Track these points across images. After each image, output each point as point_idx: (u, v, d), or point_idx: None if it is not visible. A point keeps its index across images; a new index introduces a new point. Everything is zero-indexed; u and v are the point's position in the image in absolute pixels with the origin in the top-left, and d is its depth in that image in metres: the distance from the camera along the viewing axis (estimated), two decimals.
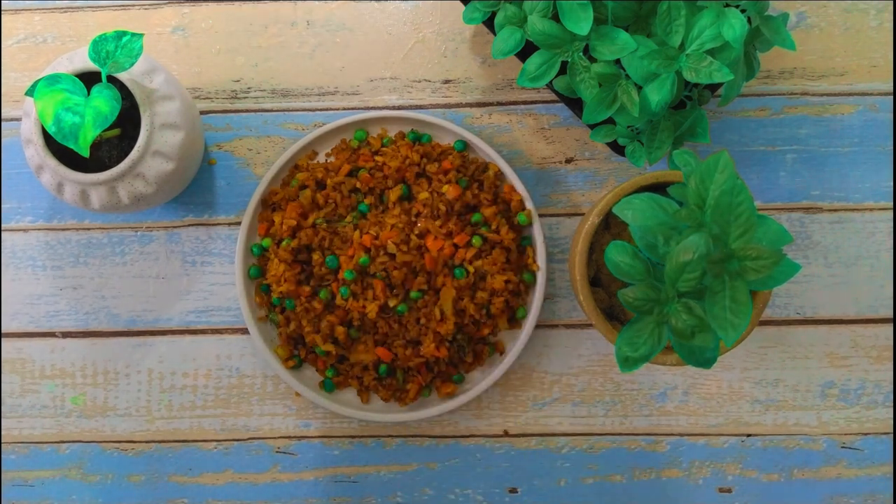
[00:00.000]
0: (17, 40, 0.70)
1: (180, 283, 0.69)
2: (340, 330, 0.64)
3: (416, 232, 0.64)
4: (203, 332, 0.69)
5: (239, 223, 0.68)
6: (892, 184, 0.68)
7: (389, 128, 0.68)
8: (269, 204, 0.67)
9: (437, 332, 0.64)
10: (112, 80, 0.57)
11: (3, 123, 0.70)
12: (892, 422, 0.68)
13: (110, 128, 0.57)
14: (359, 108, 0.70)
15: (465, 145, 0.67)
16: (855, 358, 0.68)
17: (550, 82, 0.58)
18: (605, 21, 0.55)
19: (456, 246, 0.64)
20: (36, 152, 0.58)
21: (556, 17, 0.55)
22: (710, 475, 0.68)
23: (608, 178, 0.69)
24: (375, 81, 0.70)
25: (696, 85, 0.60)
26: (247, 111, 0.70)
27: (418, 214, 0.64)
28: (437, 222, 0.64)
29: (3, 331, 0.69)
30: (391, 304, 0.64)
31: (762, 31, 0.55)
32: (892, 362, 0.68)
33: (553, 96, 0.65)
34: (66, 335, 0.69)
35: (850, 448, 0.68)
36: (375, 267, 0.63)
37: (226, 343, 0.69)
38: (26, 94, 0.56)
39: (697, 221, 0.48)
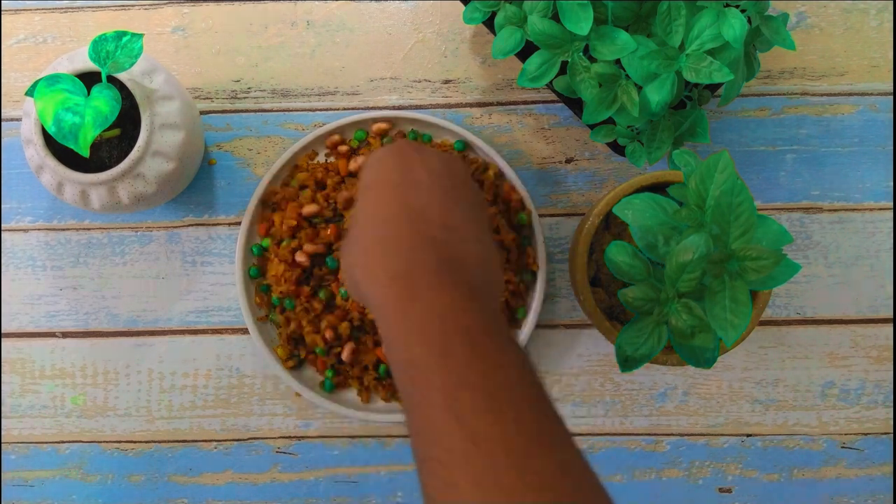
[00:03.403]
0: (17, 40, 0.70)
1: (180, 283, 0.69)
2: (344, 326, 0.64)
3: None
4: (203, 332, 0.69)
5: (239, 223, 0.68)
6: (892, 184, 0.68)
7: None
8: (269, 204, 0.67)
9: None
10: (112, 80, 0.57)
11: (3, 123, 0.70)
12: (892, 422, 0.68)
13: (110, 128, 0.57)
14: (359, 108, 0.70)
15: (465, 145, 0.67)
16: (855, 358, 0.68)
17: (550, 82, 0.58)
18: (605, 21, 0.55)
19: None
20: (36, 152, 0.58)
21: (556, 17, 0.55)
22: (710, 475, 0.68)
23: (608, 178, 0.69)
24: (375, 81, 0.70)
25: (696, 85, 0.60)
26: (247, 111, 0.70)
27: None
28: None
29: (3, 331, 0.69)
30: None
31: (762, 31, 0.55)
32: (892, 362, 0.68)
33: (553, 96, 0.65)
34: (66, 335, 0.69)
35: (850, 448, 0.68)
36: None
37: (226, 343, 0.69)
38: (26, 94, 0.56)
39: (697, 221, 0.48)
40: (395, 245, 0.44)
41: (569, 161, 0.69)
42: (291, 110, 0.70)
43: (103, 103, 0.55)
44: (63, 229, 0.70)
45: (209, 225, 0.69)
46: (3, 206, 0.70)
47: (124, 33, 0.57)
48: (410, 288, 0.42)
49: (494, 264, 0.46)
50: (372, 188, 0.48)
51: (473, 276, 0.44)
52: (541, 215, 0.68)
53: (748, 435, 0.68)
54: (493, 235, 0.65)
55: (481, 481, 0.35)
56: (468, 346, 0.39)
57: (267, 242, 0.66)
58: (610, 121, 0.59)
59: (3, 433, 0.69)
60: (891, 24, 0.69)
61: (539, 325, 0.68)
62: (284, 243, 0.65)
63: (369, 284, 0.44)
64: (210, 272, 0.69)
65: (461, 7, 0.61)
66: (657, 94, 0.54)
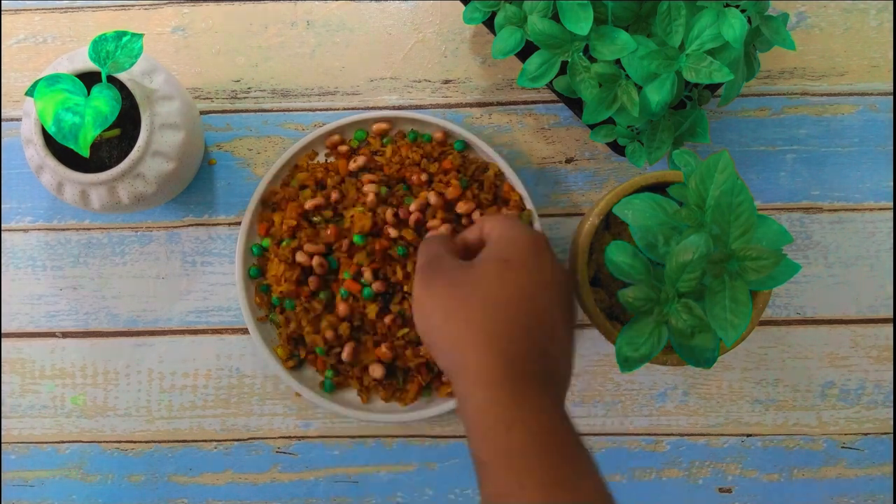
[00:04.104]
0: (17, 40, 0.70)
1: (180, 283, 0.69)
2: (344, 326, 0.64)
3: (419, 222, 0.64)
4: (203, 332, 0.69)
5: (239, 223, 0.68)
6: (892, 184, 0.68)
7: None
8: (269, 204, 0.67)
9: None
10: (112, 80, 0.57)
11: (3, 123, 0.70)
12: (892, 422, 0.68)
13: (110, 128, 0.57)
14: (359, 108, 0.70)
15: (465, 145, 0.67)
16: (855, 358, 0.68)
17: (550, 82, 0.58)
18: (605, 21, 0.55)
19: None
20: (36, 152, 0.58)
21: (556, 17, 0.55)
22: (710, 475, 0.68)
23: (608, 178, 0.69)
24: (375, 81, 0.70)
25: (696, 85, 0.60)
26: (247, 111, 0.70)
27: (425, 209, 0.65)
28: (441, 215, 0.64)
29: (3, 331, 0.69)
30: (393, 308, 0.64)
31: (762, 31, 0.55)
32: (892, 362, 0.68)
33: (553, 96, 0.65)
34: (66, 335, 0.69)
35: (850, 448, 0.68)
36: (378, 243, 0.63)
37: (226, 343, 0.69)
38: (26, 94, 0.56)
39: (697, 221, 0.48)
40: (512, 329, 0.47)
41: (569, 161, 0.69)
42: (291, 110, 0.70)
43: (103, 103, 0.55)
44: (63, 229, 0.70)
45: (209, 225, 0.69)
46: (3, 206, 0.70)
47: (124, 33, 0.57)
48: (518, 379, 0.45)
49: (569, 377, 0.51)
50: (506, 262, 0.50)
51: (560, 389, 0.48)
52: (541, 215, 0.68)
53: (748, 435, 0.68)
54: None
55: None
56: (569, 456, 0.45)
57: (267, 242, 0.66)
58: (610, 121, 0.59)
59: (3, 433, 0.69)
60: (891, 24, 0.69)
61: None
62: (284, 243, 0.65)
63: (467, 347, 0.46)
64: (210, 272, 0.69)
65: (461, 7, 0.61)
66: (657, 94, 0.54)
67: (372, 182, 0.65)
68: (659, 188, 0.58)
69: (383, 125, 0.67)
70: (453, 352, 0.47)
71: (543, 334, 0.48)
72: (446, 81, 0.70)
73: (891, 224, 0.68)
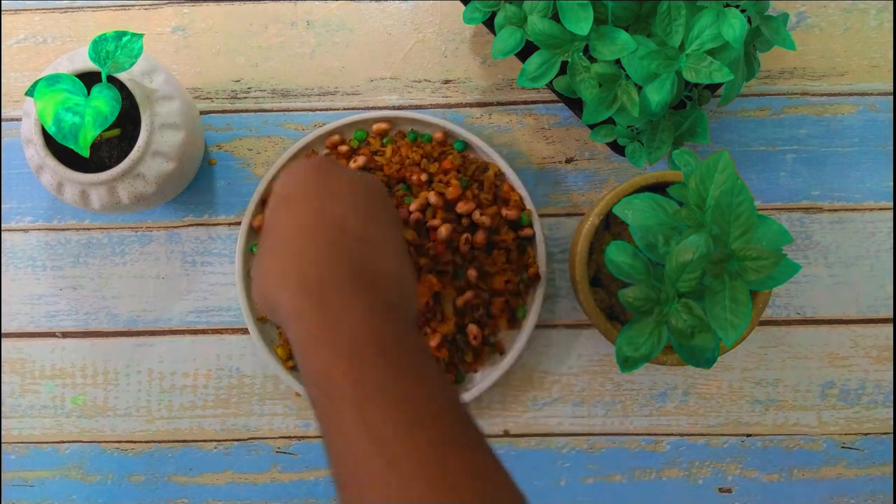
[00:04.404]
0: (17, 40, 0.70)
1: (180, 283, 0.69)
2: None
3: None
4: (203, 332, 0.69)
5: (239, 223, 0.68)
6: (892, 184, 0.68)
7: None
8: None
9: (437, 332, 0.64)
10: (112, 80, 0.57)
11: (3, 123, 0.70)
12: (892, 422, 0.68)
13: (110, 128, 0.57)
14: (359, 108, 0.70)
15: (465, 145, 0.67)
16: (855, 358, 0.68)
17: (550, 82, 0.58)
18: (605, 21, 0.55)
19: (457, 247, 0.64)
20: (36, 152, 0.58)
21: (556, 17, 0.55)
22: (710, 475, 0.68)
23: (608, 178, 0.69)
24: (375, 81, 0.70)
25: (696, 85, 0.60)
26: (247, 111, 0.70)
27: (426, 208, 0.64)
28: (440, 215, 0.64)
29: (3, 331, 0.69)
30: None
31: (762, 31, 0.55)
32: (892, 362, 0.68)
33: (553, 96, 0.65)
34: (66, 335, 0.69)
35: (850, 448, 0.68)
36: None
37: (226, 343, 0.69)
38: (26, 94, 0.56)
39: (697, 221, 0.48)
40: (309, 253, 0.43)
41: (569, 161, 0.69)
42: (291, 110, 0.70)
43: (103, 103, 0.55)
44: (63, 229, 0.70)
45: (209, 225, 0.69)
46: (3, 206, 0.70)
47: (124, 33, 0.57)
48: (322, 296, 0.41)
49: (409, 281, 0.46)
50: (286, 199, 0.46)
51: (387, 291, 0.43)
52: (541, 215, 0.68)
53: (748, 435, 0.68)
54: (493, 236, 0.65)
55: (390, 494, 0.36)
56: (381, 356, 0.39)
57: None
58: (610, 121, 0.59)
59: (3, 433, 0.69)
60: (891, 24, 0.69)
61: (539, 325, 0.68)
62: None
63: (279, 293, 0.42)
64: (210, 272, 0.69)
65: (461, 7, 0.61)
66: (657, 94, 0.54)
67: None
68: (659, 188, 0.58)
69: (383, 125, 0.67)
70: (268, 311, 0.44)
71: (344, 238, 0.44)
72: (446, 81, 0.70)
73: (891, 224, 0.68)
